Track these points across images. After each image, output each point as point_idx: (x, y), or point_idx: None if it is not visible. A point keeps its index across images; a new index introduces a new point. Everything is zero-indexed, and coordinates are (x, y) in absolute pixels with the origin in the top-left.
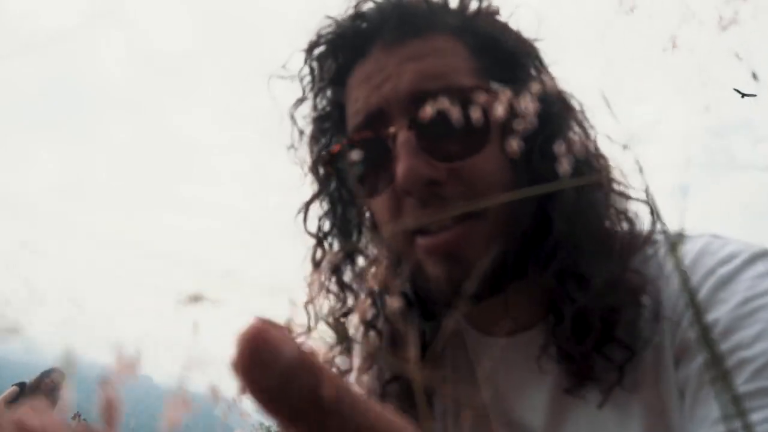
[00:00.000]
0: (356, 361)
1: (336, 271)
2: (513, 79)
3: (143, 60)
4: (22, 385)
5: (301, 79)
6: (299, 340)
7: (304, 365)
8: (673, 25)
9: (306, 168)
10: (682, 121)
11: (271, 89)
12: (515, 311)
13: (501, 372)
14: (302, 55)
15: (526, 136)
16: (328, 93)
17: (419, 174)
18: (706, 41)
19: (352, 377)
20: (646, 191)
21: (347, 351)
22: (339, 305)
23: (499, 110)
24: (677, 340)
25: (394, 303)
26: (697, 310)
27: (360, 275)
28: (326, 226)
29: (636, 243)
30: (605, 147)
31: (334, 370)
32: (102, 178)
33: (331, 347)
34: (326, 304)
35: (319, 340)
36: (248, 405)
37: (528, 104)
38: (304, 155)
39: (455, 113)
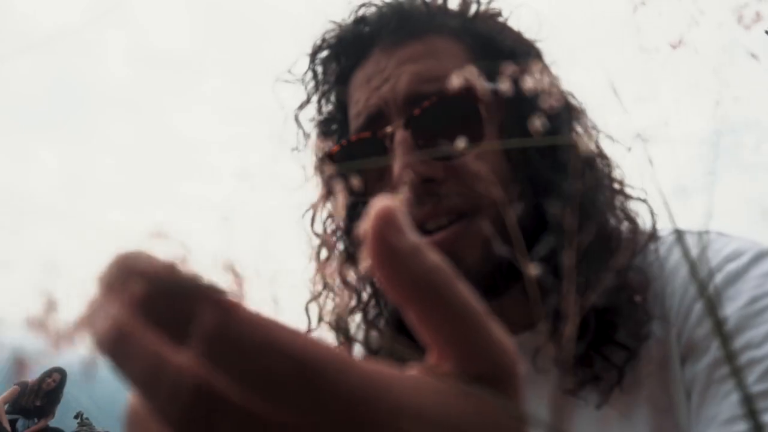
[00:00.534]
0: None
1: (340, 270)
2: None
3: (144, 59)
4: (23, 385)
5: (306, 84)
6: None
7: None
8: (683, 25)
9: (311, 169)
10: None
11: (276, 92)
12: (515, 311)
13: None
14: (306, 59)
15: (524, 132)
16: (332, 96)
17: (415, 172)
18: (718, 41)
19: None
20: (650, 190)
21: (349, 350)
22: (342, 304)
23: (489, 108)
24: (683, 338)
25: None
26: (710, 303)
27: (363, 275)
28: (331, 226)
29: (638, 241)
30: (609, 146)
31: None
32: (103, 176)
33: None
34: (329, 303)
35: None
36: None
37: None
38: (310, 157)
39: (451, 112)
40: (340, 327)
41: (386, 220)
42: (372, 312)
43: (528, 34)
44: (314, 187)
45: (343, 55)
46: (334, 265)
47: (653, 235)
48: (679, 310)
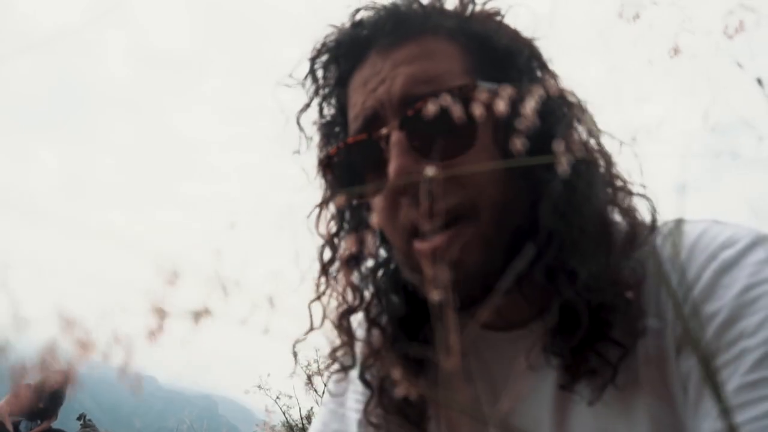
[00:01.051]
0: (360, 357)
1: (343, 270)
2: (507, 78)
3: (144, 59)
4: (27, 386)
5: (306, 88)
6: None
7: None
8: (676, 34)
9: (314, 172)
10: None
11: (277, 95)
12: (509, 309)
13: (497, 367)
14: (306, 63)
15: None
16: (332, 99)
17: (410, 173)
18: (709, 49)
19: (352, 374)
20: (649, 187)
21: (350, 349)
22: (345, 304)
23: (481, 108)
24: (677, 331)
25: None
26: (683, 313)
27: (367, 275)
28: (333, 227)
29: (635, 237)
30: (607, 144)
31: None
32: (103, 176)
33: (336, 345)
34: (332, 302)
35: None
36: (253, 404)
37: (526, 103)
38: (312, 160)
39: (445, 113)
40: (342, 326)
41: None
42: (374, 310)
43: (525, 33)
44: (316, 189)
45: (342, 58)
46: (336, 264)
47: (651, 231)
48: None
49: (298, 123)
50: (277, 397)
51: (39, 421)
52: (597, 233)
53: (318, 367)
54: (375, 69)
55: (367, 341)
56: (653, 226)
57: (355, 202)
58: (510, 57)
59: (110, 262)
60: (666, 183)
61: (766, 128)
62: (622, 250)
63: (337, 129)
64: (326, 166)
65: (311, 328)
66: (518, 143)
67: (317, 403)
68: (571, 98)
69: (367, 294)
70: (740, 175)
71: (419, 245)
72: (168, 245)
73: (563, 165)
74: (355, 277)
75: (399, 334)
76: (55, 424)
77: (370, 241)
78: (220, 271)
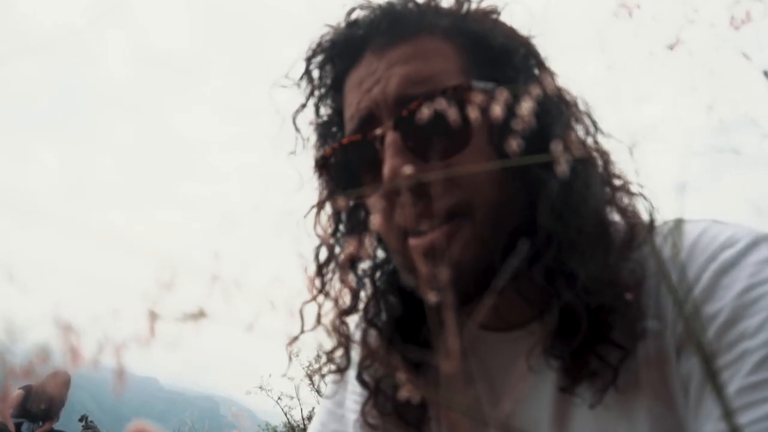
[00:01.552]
0: (356, 359)
1: (341, 271)
2: (503, 77)
3: (144, 59)
4: (28, 389)
5: (303, 88)
6: None
7: None
8: (678, 26)
9: (310, 172)
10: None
11: (274, 95)
12: (510, 308)
13: (497, 368)
14: (303, 63)
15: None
16: (329, 100)
17: (406, 173)
18: (712, 41)
19: (351, 375)
20: (647, 186)
21: (346, 350)
22: (342, 304)
23: (477, 109)
24: (677, 332)
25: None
26: (684, 312)
27: (364, 276)
28: (330, 228)
29: (633, 237)
30: (606, 143)
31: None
32: (103, 176)
33: (331, 346)
34: (329, 303)
35: (320, 340)
36: (254, 405)
37: (520, 103)
38: (308, 160)
39: (439, 113)
40: (339, 327)
41: None
42: (371, 311)
43: (522, 31)
44: (313, 190)
45: (337, 58)
46: (332, 266)
47: (650, 231)
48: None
49: (295, 123)
50: (279, 398)
51: (41, 423)
52: (595, 234)
53: (318, 367)
54: (370, 69)
55: (365, 342)
56: (652, 226)
57: (351, 202)
58: (506, 55)
59: (110, 262)
60: (666, 182)
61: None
62: (621, 250)
63: (333, 129)
64: (322, 166)
65: (302, 330)
66: (514, 144)
67: (318, 403)
68: (568, 97)
69: (364, 295)
70: (741, 174)
71: (413, 242)
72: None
73: (561, 165)
74: (352, 278)
75: (397, 335)
76: (56, 426)
77: (368, 242)
78: (220, 272)
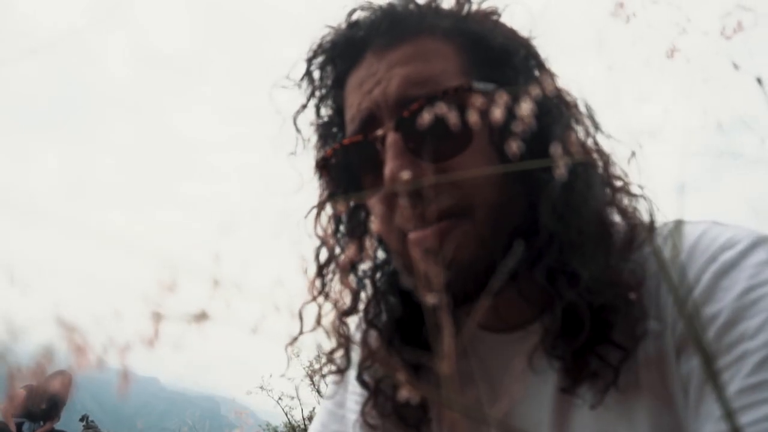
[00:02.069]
0: (356, 359)
1: (341, 272)
2: (503, 77)
3: (144, 59)
4: (29, 388)
5: (303, 88)
6: None
7: None
8: (673, 35)
9: (310, 173)
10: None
11: (274, 95)
12: (510, 309)
13: (497, 368)
14: (303, 63)
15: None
16: (329, 100)
17: (406, 174)
18: (707, 50)
19: (351, 376)
20: (647, 187)
21: (347, 350)
22: (343, 305)
23: (477, 110)
24: (677, 333)
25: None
26: (685, 312)
27: (365, 276)
28: (330, 228)
29: (634, 238)
30: (606, 144)
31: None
32: (103, 176)
33: (331, 347)
34: (329, 304)
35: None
36: (255, 405)
37: (520, 104)
38: (309, 161)
39: (440, 115)
40: (340, 327)
41: None
42: (371, 312)
43: (522, 32)
44: (313, 190)
45: (338, 58)
46: (333, 267)
47: (650, 232)
48: (674, 304)
49: (295, 124)
50: (279, 398)
51: (42, 423)
52: (596, 234)
53: (319, 367)
54: (371, 70)
55: (365, 343)
56: (652, 227)
57: (352, 203)
58: (507, 56)
59: (110, 262)
60: (666, 183)
61: (766, 129)
62: (622, 251)
63: (334, 130)
64: (323, 167)
65: (302, 331)
66: (514, 146)
67: (319, 404)
68: (568, 98)
69: (364, 296)
70: (740, 175)
71: (412, 236)
72: (168, 246)
73: (561, 166)
74: (352, 279)
75: (397, 336)
76: (57, 426)
77: (369, 244)
78: (221, 273)
